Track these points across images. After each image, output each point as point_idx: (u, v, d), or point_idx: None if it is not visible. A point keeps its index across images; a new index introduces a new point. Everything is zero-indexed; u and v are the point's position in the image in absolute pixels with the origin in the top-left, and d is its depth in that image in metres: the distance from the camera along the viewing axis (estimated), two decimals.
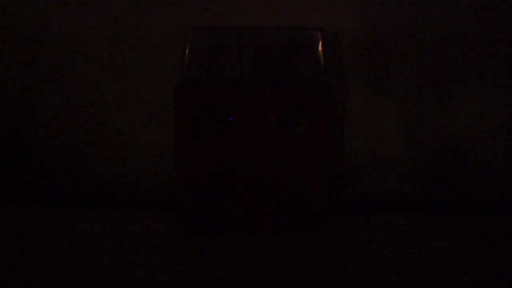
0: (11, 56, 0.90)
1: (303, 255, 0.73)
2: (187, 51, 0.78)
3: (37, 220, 0.83)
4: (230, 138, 0.77)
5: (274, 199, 0.79)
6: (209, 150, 0.78)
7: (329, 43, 0.86)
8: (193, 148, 0.77)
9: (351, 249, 0.75)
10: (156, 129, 0.91)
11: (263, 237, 0.78)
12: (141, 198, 0.93)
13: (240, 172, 0.78)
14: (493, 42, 0.87)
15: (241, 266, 0.70)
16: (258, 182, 0.78)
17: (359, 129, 0.90)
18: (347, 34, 0.87)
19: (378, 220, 0.84)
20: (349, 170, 0.92)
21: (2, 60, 0.90)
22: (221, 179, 0.78)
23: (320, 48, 0.78)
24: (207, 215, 0.80)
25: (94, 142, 0.92)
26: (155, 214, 0.86)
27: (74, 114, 0.91)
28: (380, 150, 0.91)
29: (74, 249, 0.75)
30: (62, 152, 0.93)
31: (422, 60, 0.88)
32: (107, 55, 0.89)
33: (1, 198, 0.92)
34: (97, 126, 0.91)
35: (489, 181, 0.91)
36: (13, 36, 0.89)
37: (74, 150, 0.92)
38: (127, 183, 0.93)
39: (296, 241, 0.77)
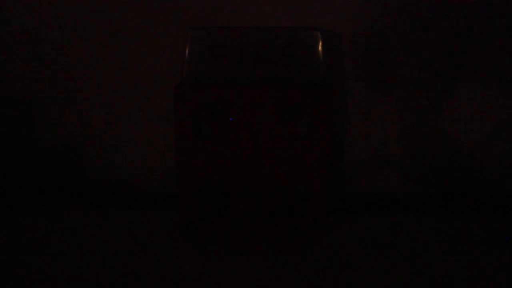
0: (11, 56, 0.90)
1: (303, 255, 0.73)
2: (187, 51, 0.78)
3: (37, 220, 0.83)
4: (230, 138, 0.77)
5: (274, 199, 0.79)
6: (209, 150, 0.77)
7: (329, 43, 0.86)
8: (193, 147, 0.77)
9: (350, 249, 0.75)
10: (156, 129, 0.91)
11: (263, 236, 0.78)
12: (142, 198, 0.93)
13: (240, 171, 0.78)
14: (493, 42, 0.87)
15: (241, 266, 0.70)
16: (258, 182, 0.78)
17: (359, 129, 0.90)
18: (347, 34, 0.87)
19: (378, 220, 0.84)
20: (349, 170, 0.92)
21: (2, 59, 0.90)
22: (221, 179, 0.78)
23: (320, 48, 0.78)
24: (207, 215, 0.80)
25: (94, 142, 0.92)
26: (155, 214, 0.86)
27: (74, 114, 0.91)
28: (380, 150, 0.91)
29: (74, 249, 0.75)
30: (61, 152, 0.93)
31: (422, 60, 0.88)
32: (107, 55, 0.89)
33: (1, 198, 0.92)
34: (97, 126, 0.91)
35: (489, 180, 0.91)
36: (13, 36, 0.89)
37: (73, 150, 0.92)
38: (127, 183, 0.93)
39: (296, 240, 0.77)
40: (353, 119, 0.90)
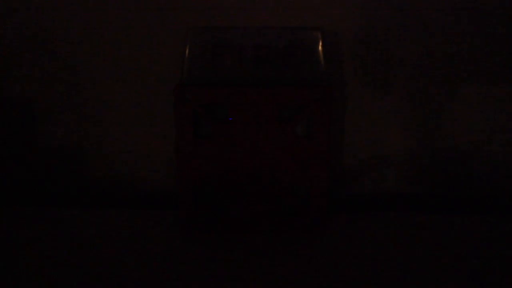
0: (11, 56, 0.90)
1: (303, 255, 0.73)
2: (187, 51, 0.78)
3: (37, 220, 0.83)
4: (230, 138, 0.77)
5: (274, 199, 0.79)
6: (209, 150, 0.78)
7: (329, 43, 0.86)
8: (193, 148, 0.77)
9: (351, 249, 0.75)
10: (156, 129, 0.91)
11: (263, 236, 0.78)
12: (141, 198, 0.93)
13: (240, 172, 0.78)
14: (493, 42, 0.87)
15: (241, 266, 0.70)
16: (258, 182, 0.78)
17: (359, 129, 0.90)
18: (347, 34, 0.87)
19: (378, 220, 0.84)
20: (349, 170, 0.92)
21: (2, 60, 0.90)
22: (221, 179, 0.78)
23: (320, 48, 0.78)
24: (207, 215, 0.80)
25: (94, 142, 0.92)
26: (155, 214, 0.86)
27: (74, 114, 0.91)
28: (380, 150, 0.91)
29: (74, 249, 0.75)
30: (61, 152, 0.93)
31: (422, 60, 0.88)
32: (107, 55, 0.89)
33: (1, 198, 0.92)
34: (97, 126, 0.91)
35: (489, 181, 0.91)
36: (14, 36, 0.89)
37: (73, 150, 0.93)
38: (127, 183, 0.93)
39: (296, 240, 0.77)
40: (353, 119, 0.90)
